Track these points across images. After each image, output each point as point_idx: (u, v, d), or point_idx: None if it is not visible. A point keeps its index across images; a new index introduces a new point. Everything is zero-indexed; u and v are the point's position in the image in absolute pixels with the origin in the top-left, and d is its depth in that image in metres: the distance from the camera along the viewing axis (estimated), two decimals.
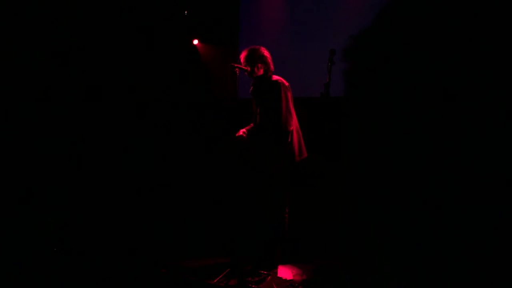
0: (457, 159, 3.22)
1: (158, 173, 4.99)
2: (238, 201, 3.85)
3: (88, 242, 4.05)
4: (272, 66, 3.53)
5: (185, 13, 5.14)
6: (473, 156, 3.13)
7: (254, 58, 3.47)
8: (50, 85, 4.36)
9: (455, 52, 3.26)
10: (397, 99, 3.57)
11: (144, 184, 4.88)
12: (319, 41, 4.24)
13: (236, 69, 3.44)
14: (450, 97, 3.26)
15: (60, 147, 4.40)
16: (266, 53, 3.51)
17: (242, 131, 3.54)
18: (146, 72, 4.99)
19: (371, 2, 3.83)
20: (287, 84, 3.48)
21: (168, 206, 4.86)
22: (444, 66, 3.30)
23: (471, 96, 3.15)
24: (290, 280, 3.26)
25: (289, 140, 3.40)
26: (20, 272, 3.36)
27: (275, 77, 3.50)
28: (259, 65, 3.48)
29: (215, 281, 3.21)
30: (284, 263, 3.54)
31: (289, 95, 3.46)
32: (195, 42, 5.11)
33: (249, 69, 3.48)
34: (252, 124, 3.65)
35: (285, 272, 3.40)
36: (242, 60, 3.51)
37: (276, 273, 3.39)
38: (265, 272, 3.36)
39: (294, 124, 3.47)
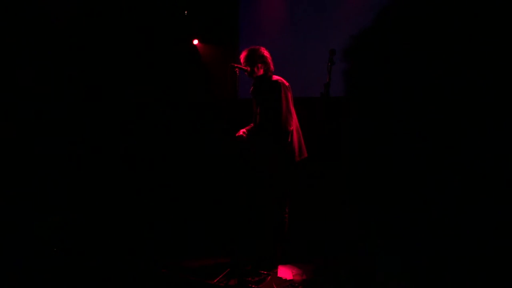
0: (457, 159, 3.22)
1: (158, 173, 4.99)
2: (238, 201, 3.85)
3: (88, 242, 4.05)
4: (272, 66, 3.53)
5: (185, 13, 5.14)
6: (473, 156, 3.13)
7: (254, 58, 3.47)
8: (50, 85, 4.36)
9: (455, 52, 3.25)
10: (397, 99, 3.57)
11: (144, 184, 4.88)
12: (319, 41, 4.24)
13: (236, 69, 3.44)
14: (450, 97, 3.26)
15: (60, 147, 4.40)
16: (266, 53, 3.51)
17: (242, 131, 3.53)
18: (146, 72, 4.99)
19: (371, 2, 3.83)
20: (287, 84, 3.48)
21: (168, 206, 4.86)
22: (444, 66, 3.30)
23: (471, 96, 3.15)
24: (290, 280, 3.26)
25: (289, 140, 3.40)
26: (20, 272, 3.36)
27: (275, 77, 3.50)
28: (259, 65, 3.48)
29: (215, 281, 3.21)
30: (284, 263, 3.54)
31: (289, 95, 3.46)
32: (195, 42, 5.11)
33: (249, 69, 3.47)
34: (252, 124, 3.65)
35: (285, 272, 3.40)
36: (242, 60, 3.51)
37: (276, 273, 3.39)
38: (265, 272, 3.36)
39: (294, 124, 3.47)
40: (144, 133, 4.99)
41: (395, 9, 3.57)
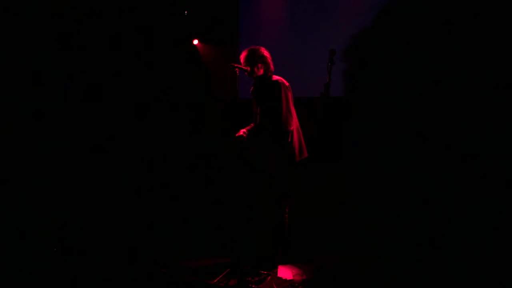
0: (457, 159, 3.22)
1: (158, 173, 4.99)
2: (238, 201, 3.85)
3: (88, 242, 4.05)
4: (272, 66, 3.53)
5: (185, 13, 5.14)
6: (473, 156, 3.13)
7: (254, 58, 3.47)
8: (50, 85, 4.36)
9: (455, 52, 3.26)
10: (397, 99, 3.57)
11: (144, 184, 4.88)
12: (319, 41, 4.24)
13: (236, 69, 3.44)
14: (450, 97, 3.26)
15: (60, 147, 4.39)
16: (266, 53, 3.51)
17: (242, 131, 3.53)
18: (146, 72, 4.99)
19: (371, 2, 3.83)
20: (287, 84, 3.48)
21: (168, 206, 4.86)
22: (444, 66, 3.30)
23: (471, 96, 3.15)
24: (290, 280, 3.26)
25: (290, 140, 3.40)
26: (20, 272, 3.36)
27: (275, 77, 3.50)
28: (259, 65, 3.48)
29: (215, 281, 3.21)
30: (284, 263, 3.54)
31: (290, 95, 3.46)
32: (195, 42, 5.11)
33: (249, 69, 3.47)
34: (252, 124, 3.65)
35: (285, 272, 3.40)
36: (242, 60, 3.51)
37: (276, 273, 3.39)
38: (265, 272, 3.36)
39: (295, 124, 3.47)
40: (144, 133, 4.98)
41: (395, 9, 3.57)
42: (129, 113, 4.92)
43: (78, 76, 4.58)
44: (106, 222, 4.45)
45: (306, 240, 3.91)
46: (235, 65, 3.43)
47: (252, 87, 3.60)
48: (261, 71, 3.49)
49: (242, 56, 3.51)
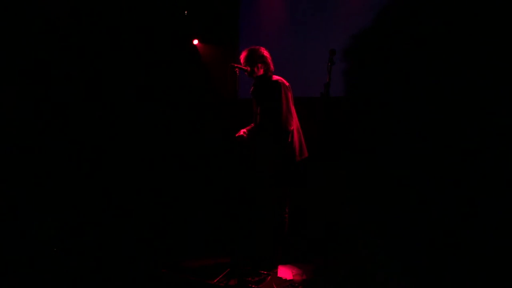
0: (457, 159, 3.22)
1: (158, 173, 4.99)
2: (238, 201, 3.85)
3: (88, 242, 4.05)
4: (272, 66, 3.53)
5: (185, 13, 5.14)
6: (473, 156, 3.13)
7: (254, 58, 3.47)
8: (50, 85, 4.36)
9: (455, 52, 3.26)
10: (397, 99, 3.57)
11: (144, 184, 4.88)
12: (319, 41, 4.24)
13: (236, 69, 3.44)
14: (450, 97, 3.26)
15: (60, 147, 4.40)
16: (266, 53, 3.51)
17: (242, 131, 3.54)
18: (146, 72, 4.99)
19: (371, 2, 3.83)
20: (287, 84, 3.48)
21: (168, 206, 4.86)
22: (444, 66, 3.30)
23: (471, 96, 3.15)
24: (290, 280, 3.26)
25: (290, 140, 3.40)
26: (20, 272, 3.36)
27: (275, 77, 3.50)
28: (259, 65, 3.48)
29: (215, 281, 3.21)
30: (284, 263, 3.54)
31: (290, 95, 3.46)
32: (195, 42, 5.11)
33: (249, 69, 3.47)
34: (252, 124, 3.65)
35: (285, 272, 3.40)
36: (242, 60, 3.51)
37: (276, 273, 3.39)
38: (265, 272, 3.36)
39: (295, 124, 3.47)
40: (144, 133, 4.98)
41: (395, 9, 3.57)
42: (129, 113, 4.92)
43: (78, 76, 4.58)
44: (106, 222, 4.45)
45: (306, 240, 3.92)
46: (235, 65, 3.43)
47: (252, 87, 3.60)
48: (261, 71, 3.50)
49: (242, 56, 3.51)
